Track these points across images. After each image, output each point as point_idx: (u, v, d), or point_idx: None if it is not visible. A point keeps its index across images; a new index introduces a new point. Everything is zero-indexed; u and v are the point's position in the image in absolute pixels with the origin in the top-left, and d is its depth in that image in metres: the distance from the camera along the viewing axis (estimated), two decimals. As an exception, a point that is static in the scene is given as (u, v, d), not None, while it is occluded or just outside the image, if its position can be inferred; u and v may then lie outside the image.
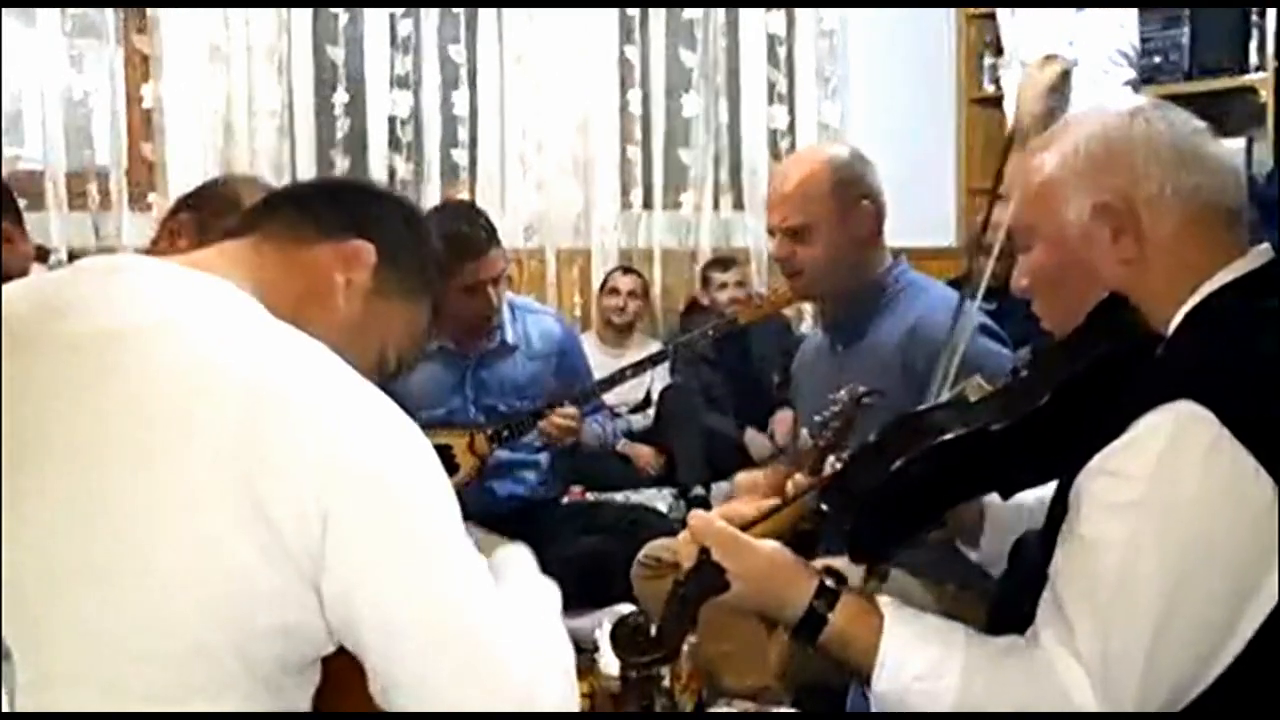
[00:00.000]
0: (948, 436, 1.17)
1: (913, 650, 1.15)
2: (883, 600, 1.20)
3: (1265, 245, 1.19)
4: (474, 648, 0.97)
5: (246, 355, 0.96)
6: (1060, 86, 3.12)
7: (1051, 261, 1.23)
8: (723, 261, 4.35)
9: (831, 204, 2.11)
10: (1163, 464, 1.04)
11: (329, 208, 1.15)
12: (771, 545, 1.24)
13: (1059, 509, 1.15)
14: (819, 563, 1.27)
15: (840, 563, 1.28)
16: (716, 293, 4.23)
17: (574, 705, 1.04)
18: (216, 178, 2.10)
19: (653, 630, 1.17)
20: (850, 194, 2.13)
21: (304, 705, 1.01)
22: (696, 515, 1.27)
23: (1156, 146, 1.17)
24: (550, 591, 1.21)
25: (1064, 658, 1.07)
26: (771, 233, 2.20)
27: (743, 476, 2.23)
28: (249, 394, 0.93)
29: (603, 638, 2.41)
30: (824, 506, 1.24)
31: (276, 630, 0.94)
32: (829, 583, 1.20)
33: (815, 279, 2.16)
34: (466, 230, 2.71)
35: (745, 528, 1.26)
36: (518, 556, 1.24)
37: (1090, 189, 1.18)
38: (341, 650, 0.99)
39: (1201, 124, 1.22)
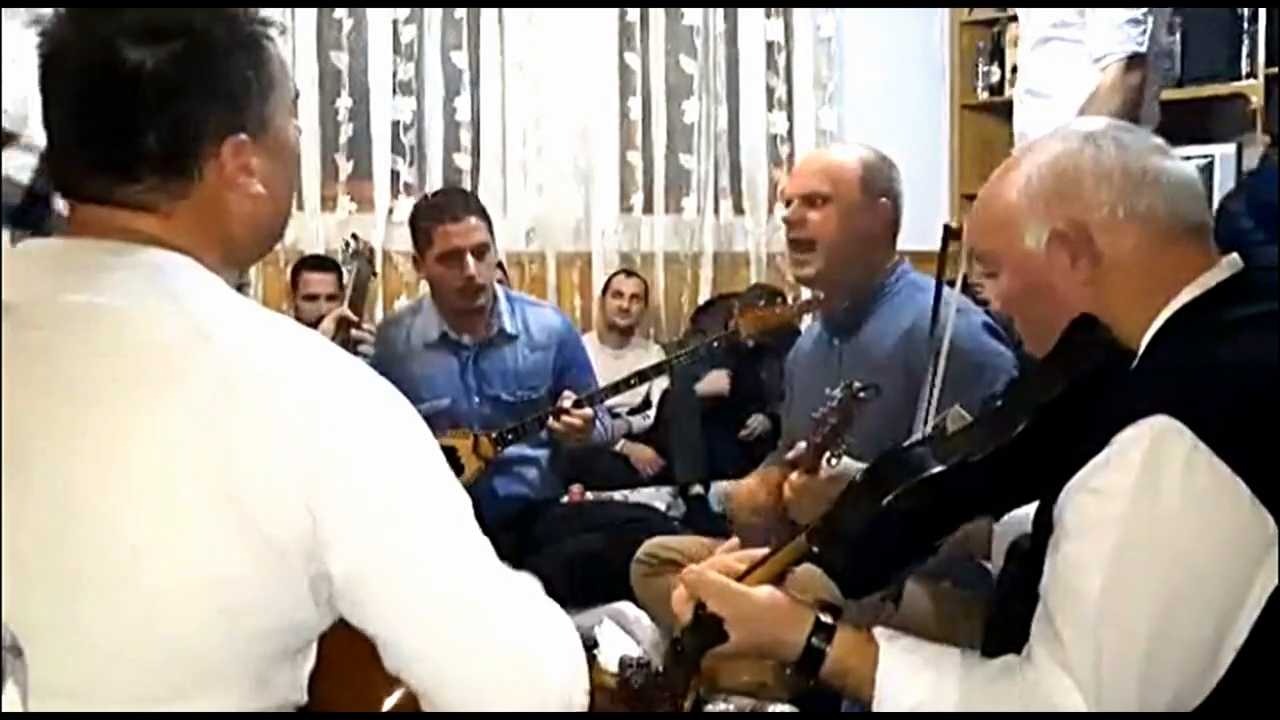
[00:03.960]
0: (931, 472, 1.18)
1: (909, 679, 1.16)
2: (877, 631, 1.21)
3: (1234, 255, 1.21)
4: (481, 613, 0.97)
5: (215, 348, 0.92)
6: (1141, 89, 3.07)
7: (1017, 288, 1.26)
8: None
9: (855, 186, 2.16)
10: (1141, 479, 1.04)
11: (176, 129, 0.99)
12: (765, 590, 1.24)
13: (1042, 528, 1.16)
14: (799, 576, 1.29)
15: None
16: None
17: (584, 673, 1.03)
18: None
19: (657, 669, 1.21)
20: (873, 188, 2.18)
21: (300, 686, 1.01)
22: (689, 571, 1.28)
23: (1106, 171, 1.19)
24: (532, 582, 1.17)
25: (1059, 677, 1.07)
26: (788, 203, 2.23)
27: (737, 492, 2.22)
28: (219, 388, 0.90)
29: (602, 635, 2.45)
30: (814, 549, 1.24)
31: (269, 629, 0.94)
32: (824, 618, 1.21)
33: (822, 254, 2.16)
34: (446, 201, 2.81)
35: (739, 578, 1.26)
36: None
37: (1044, 218, 1.21)
38: (336, 628, 0.98)
39: (1158, 141, 1.24)
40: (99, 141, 0.98)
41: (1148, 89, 2.97)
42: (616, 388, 2.80)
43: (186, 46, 0.97)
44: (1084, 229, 1.19)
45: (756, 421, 4.16)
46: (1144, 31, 2.94)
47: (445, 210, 2.77)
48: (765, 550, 1.32)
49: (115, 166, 0.99)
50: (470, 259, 2.74)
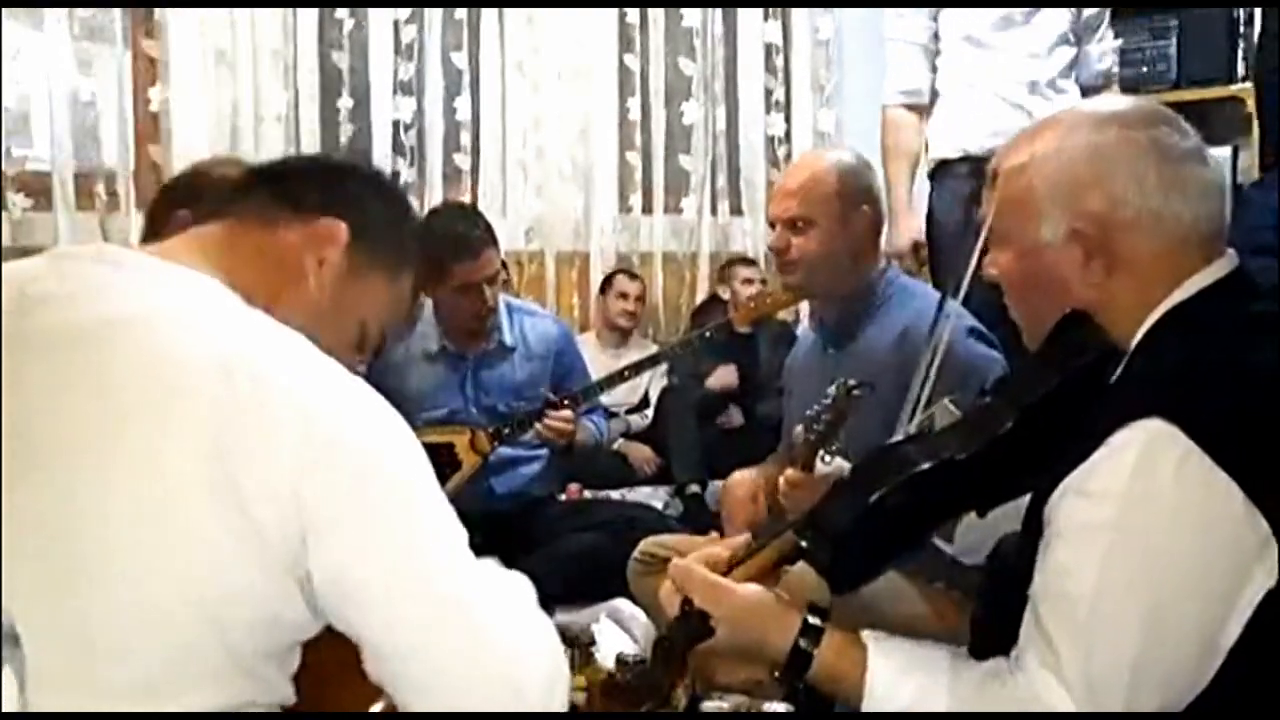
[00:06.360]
0: (920, 468, 1.18)
1: (898, 682, 1.15)
2: (865, 633, 1.20)
3: (1230, 252, 1.18)
4: (459, 613, 0.99)
5: (218, 349, 0.95)
6: None
7: (1023, 271, 1.23)
8: (745, 260, 4.49)
9: (834, 203, 2.18)
10: (1134, 483, 1.04)
11: (300, 187, 1.12)
12: (753, 588, 1.23)
13: (1032, 527, 1.16)
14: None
15: None
16: (740, 285, 4.32)
17: (564, 675, 1.05)
18: (191, 168, 1.98)
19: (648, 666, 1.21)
20: (852, 197, 2.20)
21: (284, 687, 1.02)
22: (676, 565, 1.26)
23: (1141, 172, 1.15)
24: (524, 583, 1.16)
25: (1048, 681, 1.07)
26: (772, 225, 2.27)
27: (735, 477, 2.25)
28: (222, 388, 0.93)
29: (600, 633, 2.46)
30: (803, 543, 1.24)
31: (258, 622, 0.96)
32: (812, 620, 1.20)
33: (807, 273, 2.21)
34: (462, 230, 2.78)
35: (726, 571, 1.25)
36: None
37: (1067, 211, 1.17)
38: (322, 635, 1.00)
39: (1194, 142, 1.18)
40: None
41: None
42: (611, 380, 2.82)
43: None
44: (1105, 228, 1.16)
45: (731, 413, 4.22)
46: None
47: (463, 245, 2.73)
48: (748, 536, 1.32)
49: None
50: (486, 289, 2.77)
